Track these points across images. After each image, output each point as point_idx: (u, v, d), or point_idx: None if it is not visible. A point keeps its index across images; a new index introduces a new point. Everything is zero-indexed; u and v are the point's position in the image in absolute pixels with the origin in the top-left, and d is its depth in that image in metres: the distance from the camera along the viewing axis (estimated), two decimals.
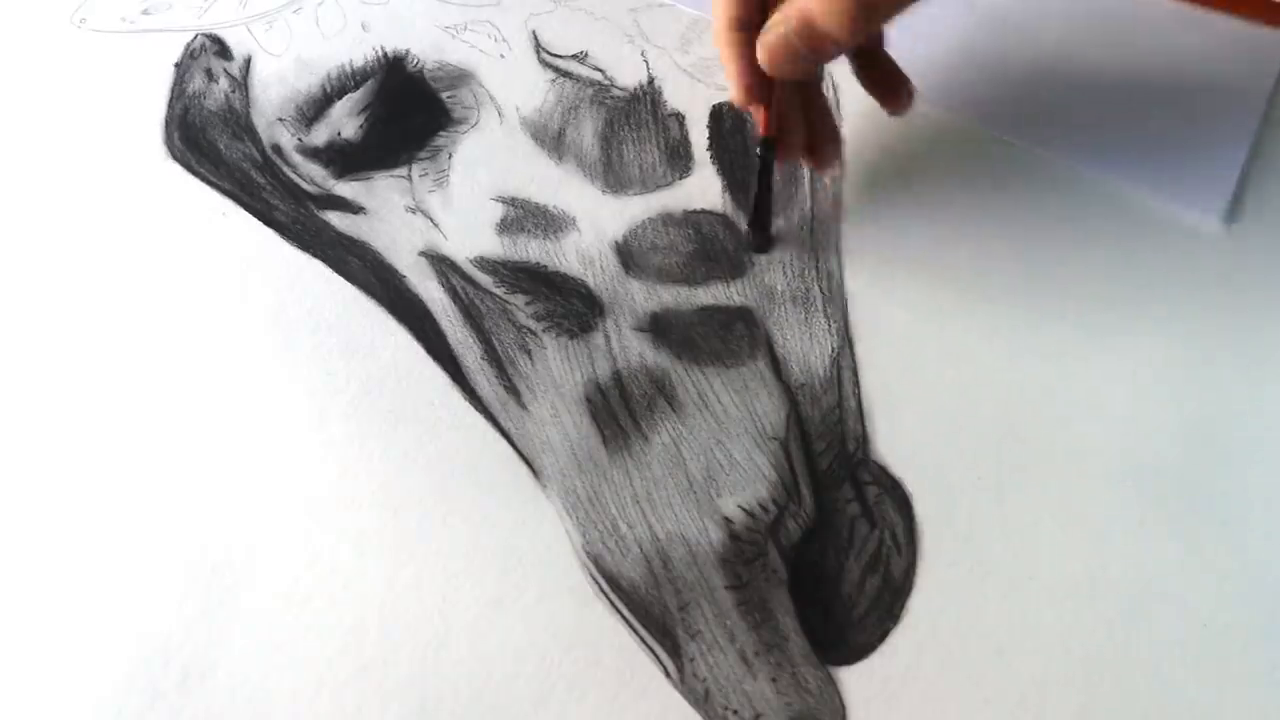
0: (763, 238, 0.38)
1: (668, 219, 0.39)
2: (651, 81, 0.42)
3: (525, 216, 0.39)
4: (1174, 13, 0.43)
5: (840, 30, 0.31)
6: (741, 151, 0.40)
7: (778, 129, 0.36)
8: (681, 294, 0.37)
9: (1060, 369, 0.36)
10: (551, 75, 0.42)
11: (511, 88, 0.42)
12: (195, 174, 0.40)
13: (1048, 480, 0.34)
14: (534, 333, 0.36)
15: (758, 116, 0.36)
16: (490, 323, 0.37)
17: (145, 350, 0.36)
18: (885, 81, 0.38)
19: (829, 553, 0.33)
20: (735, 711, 0.30)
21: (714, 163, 0.40)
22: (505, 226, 0.39)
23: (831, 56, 0.34)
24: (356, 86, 0.42)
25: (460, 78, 0.42)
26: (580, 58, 0.43)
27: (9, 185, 0.40)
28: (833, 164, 0.39)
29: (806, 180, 0.39)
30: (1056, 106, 0.41)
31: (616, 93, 0.42)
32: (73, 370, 0.36)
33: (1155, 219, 0.39)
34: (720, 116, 0.41)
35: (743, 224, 0.38)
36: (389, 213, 0.39)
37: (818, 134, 0.38)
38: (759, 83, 0.35)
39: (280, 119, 0.41)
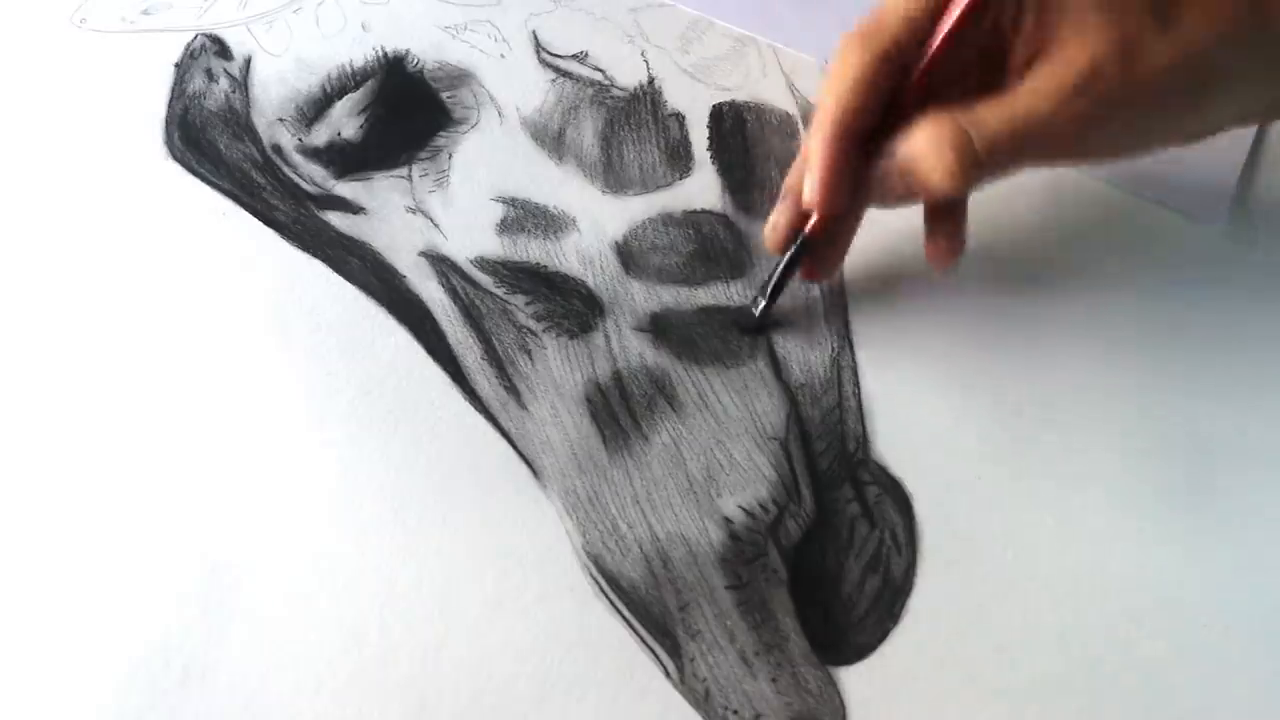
0: (764, 319, 0.36)
1: (668, 219, 0.39)
2: (651, 81, 0.42)
3: (525, 216, 0.39)
4: None
5: (942, 186, 0.30)
6: (741, 151, 0.40)
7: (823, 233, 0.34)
8: (681, 294, 0.37)
9: (1060, 369, 0.36)
10: (551, 75, 0.42)
11: (511, 88, 0.42)
12: (195, 174, 0.40)
13: (1048, 480, 0.34)
14: (534, 333, 0.36)
15: (814, 216, 0.33)
16: (490, 323, 0.37)
17: (145, 350, 0.36)
18: (945, 234, 0.35)
19: (829, 553, 0.33)
20: (735, 711, 0.30)
21: (714, 163, 0.40)
22: (505, 226, 0.39)
23: (929, 201, 0.33)
24: (356, 86, 0.42)
25: (460, 78, 0.42)
26: (580, 58, 0.43)
27: (9, 185, 0.40)
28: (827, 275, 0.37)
29: None
30: None
31: (616, 93, 0.42)
32: (73, 370, 0.36)
33: (1155, 220, 0.39)
34: (720, 116, 0.41)
35: (751, 288, 0.37)
36: (389, 213, 0.39)
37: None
38: (845, 198, 0.32)
39: (280, 119, 0.41)
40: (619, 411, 0.35)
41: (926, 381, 0.36)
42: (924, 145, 0.30)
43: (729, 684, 0.31)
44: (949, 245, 0.34)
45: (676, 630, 0.31)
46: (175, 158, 0.40)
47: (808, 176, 0.32)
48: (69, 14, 0.44)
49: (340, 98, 0.42)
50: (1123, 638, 0.31)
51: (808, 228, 0.34)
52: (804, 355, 0.36)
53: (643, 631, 0.31)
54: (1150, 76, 0.28)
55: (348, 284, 0.37)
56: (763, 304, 0.36)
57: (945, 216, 0.34)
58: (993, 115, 0.29)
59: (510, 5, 0.44)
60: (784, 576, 0.32)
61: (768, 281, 0.35)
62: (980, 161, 0.29)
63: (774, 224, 0.35)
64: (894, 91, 0.31)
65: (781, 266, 0.35)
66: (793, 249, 0.34)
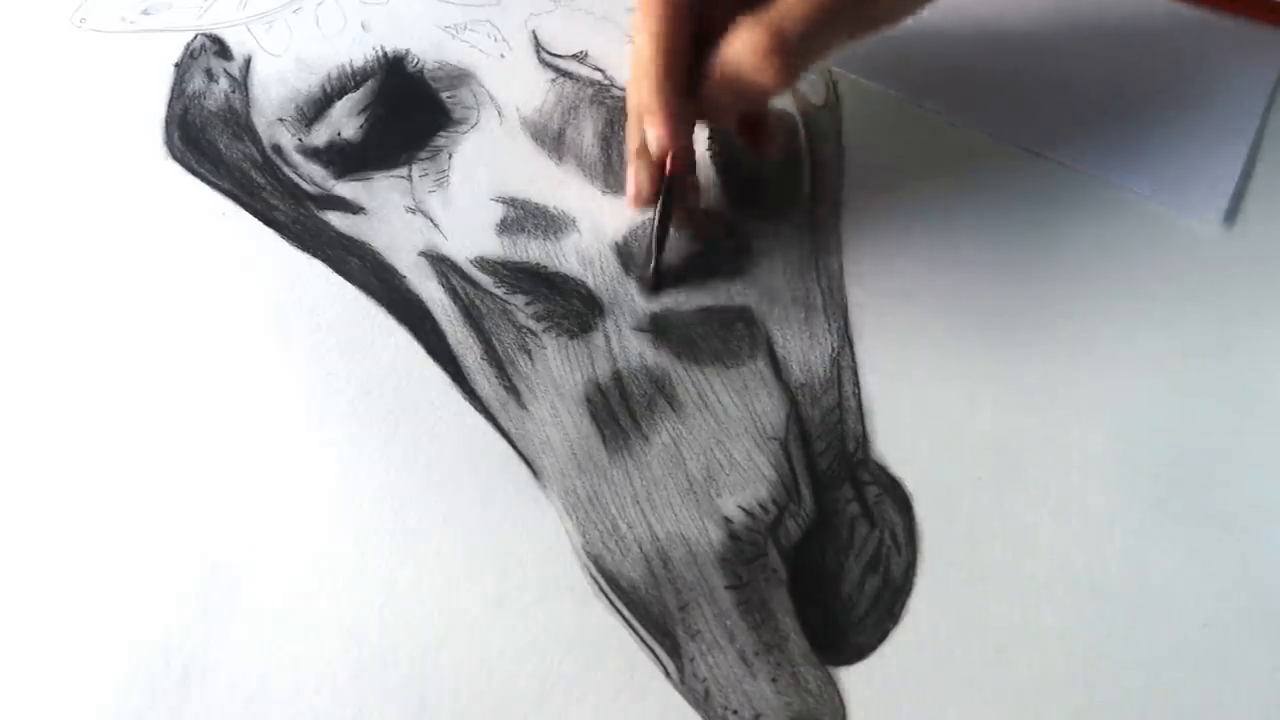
0: (660, 278, 0.37)
1: None
2: None
3: (525, 217, 0.39)
4: (1174, 13, 0.43)
5: (771, 81, 0.32)
6: (740, 150, 0.40)
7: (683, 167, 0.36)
8: (681, 294, 0.37)
9: (1060, 368, 0.36)
10: (551, 75, 0.42)
11: (511, 88, 0.42)
12: (195, 174, 0.40)
13: (1048, 480, 0.34)
14: (534, 333, 0.36)
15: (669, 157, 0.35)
16: (490, 323, 0.37)
17: (145, 350, 0.36)
18: (761, 131, 0.38)
19: (829, 553, 0.33)
20: (735, 711, 0.30)
21: (713, 163, 0.40)
22: (505, 227, 0.39)
23: (762, 102, 0.35)
24: (356, 86, 0.42)
25: (460, 78, 0.42)
26: (580, 57, 0.43)
27: (9, 185, 0.40)
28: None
29: (807, 181, 0.39)
30: (1056, 107, 0.41)
31: (616, 92, 0.42)
32: (72, 370, 0.36)
33: (1155, 219, 0.39)
34: None
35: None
36: (389, 213, 0.39)
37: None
38: (690, 130, 0.35)
39: (280, 119, 0.41)
40: (619, 411, 0.35)
41: (926, 381, 0.36)
42: (743, 52, 0.31)
43: (729, 684, 0.31)
44: (769, 136, 0.38)
45: (676, 630, 0.31)
46: (175, 158, 0.40)
47: (651, 124, 0.33)
48: (69, 14, 0.44)
49: (340, 98, 0.42)
50: (1122, 638, 0.31)
51: (668, 170, 0.35)
52: (804, 355, 0.36)
53: (642, 631, 0.31)
54: None
55: (348, 284, 0.37)
56: (653, 262, 0.37)
57: (753, 121, 0.37)
58: (793, 4, 0.31)
59: (510, 5, 0.44)
60: (784, 576, 0.32)
61: (649, 237, 0.36)
62: (796, 49, 0.31)
63: (637, 184, 0.36)
64: (699, 20, 0.33)
65: (657, 217, 0.36)
66: (661, 199, 0.36)
